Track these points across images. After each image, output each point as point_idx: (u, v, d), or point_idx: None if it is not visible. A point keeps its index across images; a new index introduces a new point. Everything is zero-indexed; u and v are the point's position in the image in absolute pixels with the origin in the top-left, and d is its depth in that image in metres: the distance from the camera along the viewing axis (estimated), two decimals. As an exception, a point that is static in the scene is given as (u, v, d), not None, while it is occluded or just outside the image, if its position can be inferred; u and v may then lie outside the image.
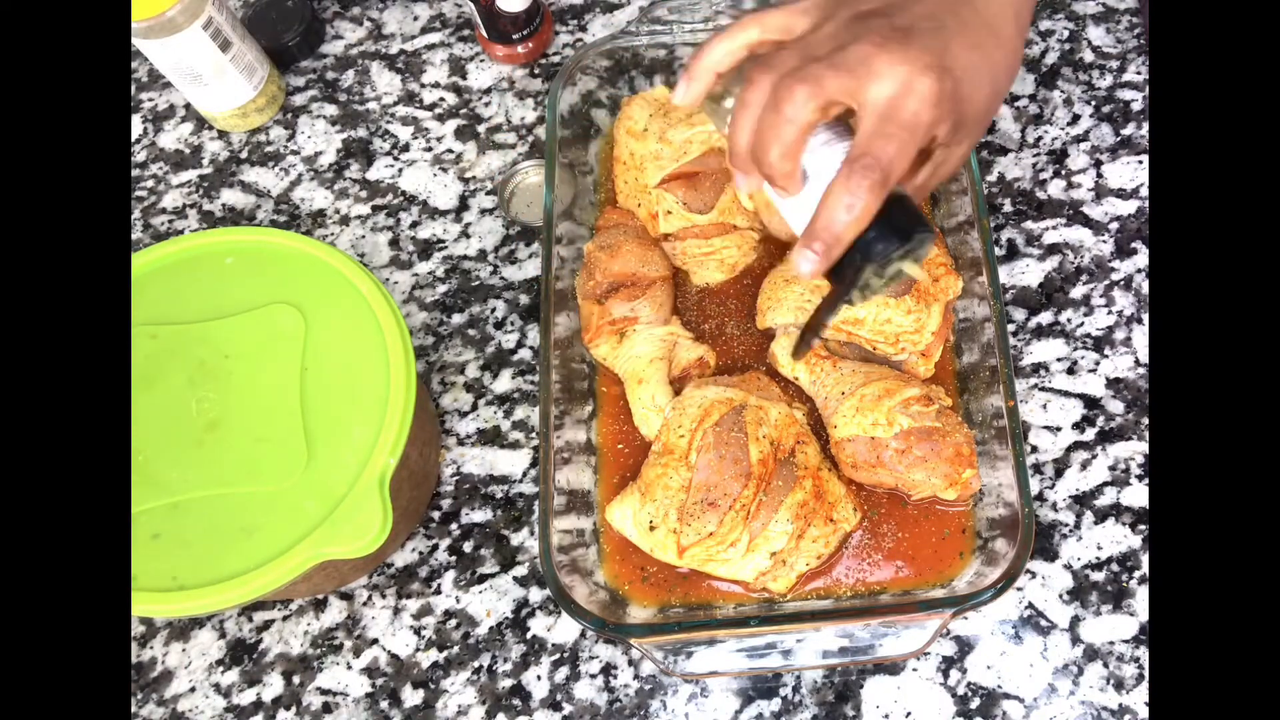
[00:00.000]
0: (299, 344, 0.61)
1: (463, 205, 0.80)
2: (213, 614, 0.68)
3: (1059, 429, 0.68)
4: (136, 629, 0.68)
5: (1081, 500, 0.66)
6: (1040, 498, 0.67)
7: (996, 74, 0.50)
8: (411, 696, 0.65)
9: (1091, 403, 0.69)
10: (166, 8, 0.72)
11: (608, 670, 0.65)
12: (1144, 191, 0.75)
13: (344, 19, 0.89)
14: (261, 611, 0.68)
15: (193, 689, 0.66)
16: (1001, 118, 0.79)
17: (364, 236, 0.80)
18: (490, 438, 0.72)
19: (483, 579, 0.68)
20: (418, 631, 0.67)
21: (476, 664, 0.66)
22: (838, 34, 0.47)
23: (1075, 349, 0.71)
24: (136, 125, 0.87)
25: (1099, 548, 0.65)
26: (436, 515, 0.70)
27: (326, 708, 0.65)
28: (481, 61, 0.86)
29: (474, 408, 0.73)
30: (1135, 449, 0.67)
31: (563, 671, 0.65)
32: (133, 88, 0.88)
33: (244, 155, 0.84)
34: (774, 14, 0.50)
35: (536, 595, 0.67)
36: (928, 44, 0.45)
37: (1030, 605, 0.64)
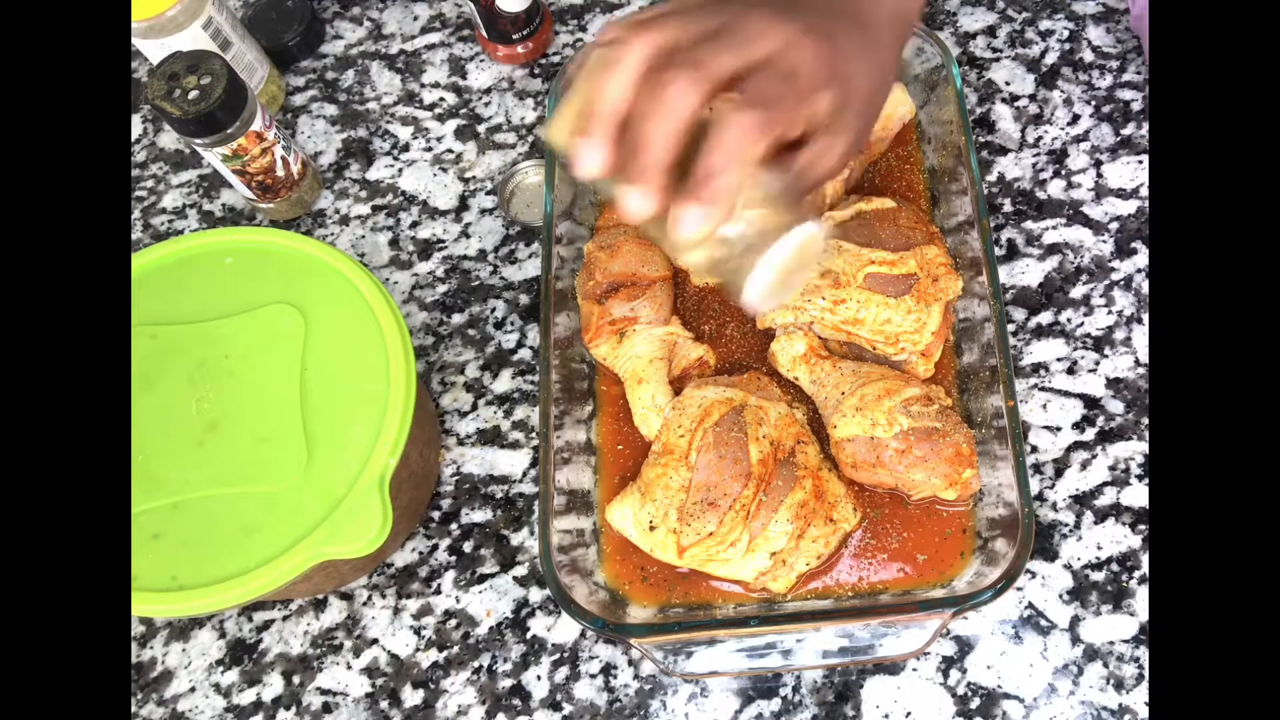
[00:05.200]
0: (299, 344, 0.61)
1: (463, 205, 0.80)
2: (213, 614, 0.68)
3: (1059, 429, 0.68)
4: (136, 629, 0.68)
5: (1081, 500, 0.66)
6: (1040, 498, 0.67)
7: (874, 73, 0.49)
8: (411, 696, 0.65)
9: (1091, 403, 0.69)
10: (166, 8, 0.72)
11: (608, 670, 0.65)
12: (1144, 191, 0.75)
13: (344, 19, 0.89)
14: (261, 611, 0.68)
15: (193, 689, 0.66)
16: (1001, 118, 0.79)
17: (364, 236, 0.80)
18: (490, 438, 0.72)
19: (483, 579, 0.68)
20: (418, 631, 0.67)
21: (476, 664, 0.66)
22: (724, 14, 0.44)
23: (1075, 349, 0.71)
24: (136, 125, 0.87)
25: (1099, 548, 0.65)
26: (436, 515, 0.70)
27: (326, 708, 0.65)
28: (481, 61, 0.86)
29: (474, 408, 0.73)
30: (1135, 449, 0.67)
31: (563, 671, 0.65)
32: (133, 88, 0.88)
33: (244, 155, 0.84)
34: (657, 26, 0.44)
35: (536, 595, 0.67)
36: (814, 19, 0.45)
37: (1030, 605, 0.64)
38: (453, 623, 0.67)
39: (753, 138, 0.41)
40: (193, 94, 0.67)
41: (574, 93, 0.44)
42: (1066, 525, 0.66)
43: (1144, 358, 0.70)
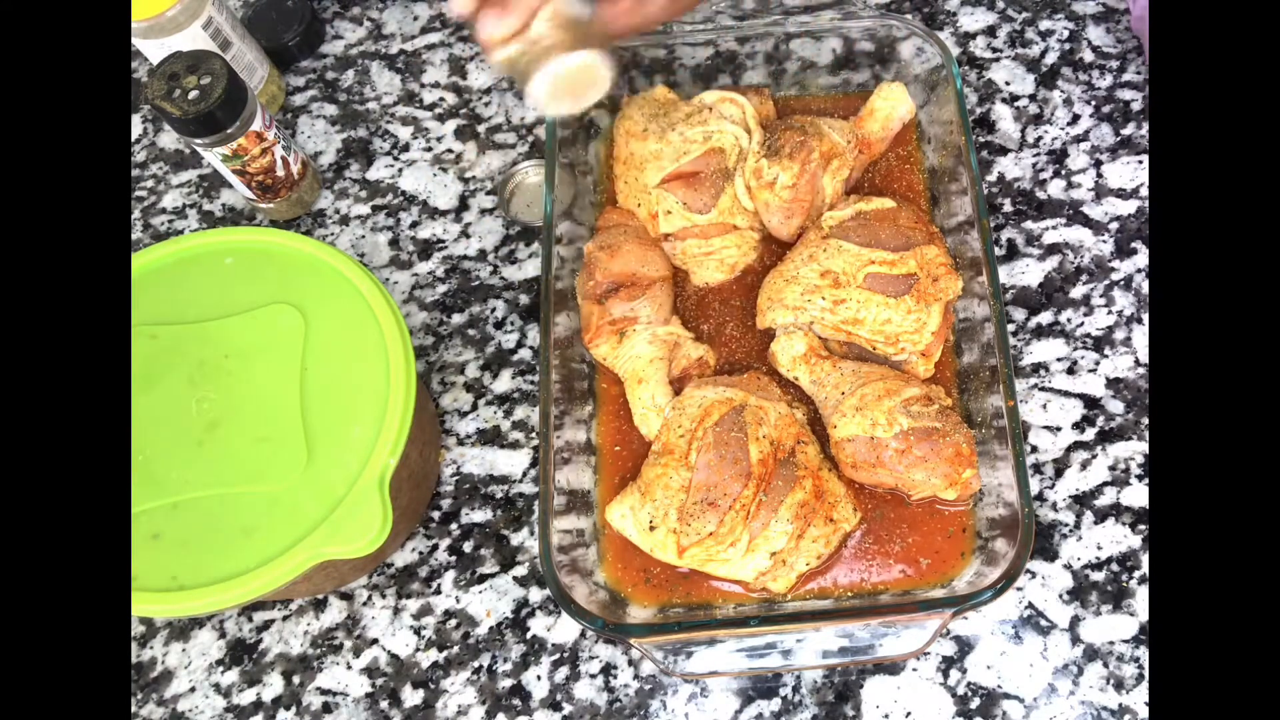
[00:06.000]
0: (299, 344, 0.61)
1: (463, 205, 0.80)
2: (213, 614, 0.68)
3: (1059, 429, 0.68)
4: (136, 629, 0.68)
5: (1081, 500, 0.66)
6: (1040, 498, 0.67)
7: None
8: (411, 696, 0.65)
9: (1091, 403, 0.69)
10: (166, 7, 0.72)
11: (608, 670, 0.65)
12: (1144, 191, 0.75)
13: (344, 19, 0.89)
14: (261, 611, 0.68)
15: (193, 689, 0.66)
16: (1001, 118, 0.79)
17: (364, 236, 0.80)
18: (490, 438, 0.72)
19: (483, 579, 0.68)
20: (418, 631, 0.67)
21: (476, 664, 0.66)
22: None
23: (1075, 349, 0.71)
24: (136, 125, 0.87)
25: (1099, 548, 0.65)
26: (436, 515, 0.70)
27: (326, 708, 0.65)
28: (481, 61, 0.86)
29: (474, 408, 0.73)
30: (1135, 449, 0.67)
31: (563, 671, 0.65)
32: (133, 88, 0.88)
33: (244, 155, 0.84)
34: None
35: (536, 595, 0.67)
36: None
37: (1030, 605, 0.64)
38: (453, 623, 0.67)
39: None
40: (193, 94, 0.67)
41: None
42: (1066, 525, 0.66)
43: (1144, 358, 0.70)
